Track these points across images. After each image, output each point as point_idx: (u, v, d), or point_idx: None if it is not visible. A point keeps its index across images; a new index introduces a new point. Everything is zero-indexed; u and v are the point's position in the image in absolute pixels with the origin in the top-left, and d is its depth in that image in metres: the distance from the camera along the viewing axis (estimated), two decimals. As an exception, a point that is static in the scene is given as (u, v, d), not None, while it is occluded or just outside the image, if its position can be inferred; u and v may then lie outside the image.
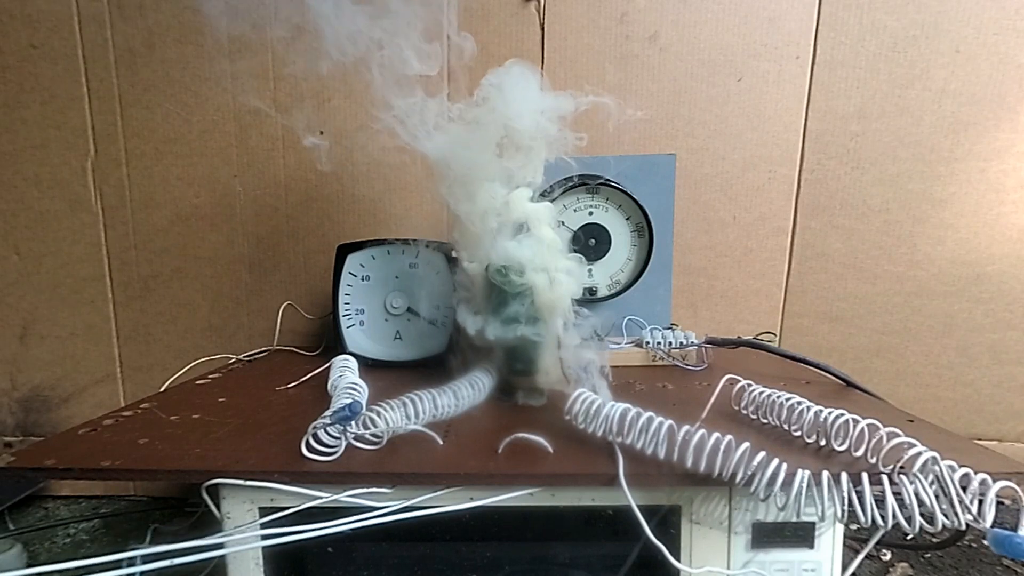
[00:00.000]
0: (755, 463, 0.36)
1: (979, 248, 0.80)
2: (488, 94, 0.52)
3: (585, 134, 0.55)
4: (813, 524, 0.41)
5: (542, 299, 0.50)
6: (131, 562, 0.35)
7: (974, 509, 0.33)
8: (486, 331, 0.52)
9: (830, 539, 0.42)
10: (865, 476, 0.36)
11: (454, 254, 0.56)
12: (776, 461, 0.36)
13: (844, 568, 0.41)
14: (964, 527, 0.34)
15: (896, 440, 0.37)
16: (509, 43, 0.81)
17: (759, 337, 0.72)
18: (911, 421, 0.48)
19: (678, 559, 0.41)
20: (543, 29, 0.80)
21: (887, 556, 0.71)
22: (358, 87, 0.81)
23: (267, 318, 0.86)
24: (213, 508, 0.42)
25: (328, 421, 0.42)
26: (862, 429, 0.39)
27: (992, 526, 0.32)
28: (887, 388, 0.82)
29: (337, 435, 0.43)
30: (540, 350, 0.52)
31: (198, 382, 0.63)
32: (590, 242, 0.70)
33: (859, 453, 0.39)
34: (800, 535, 0.41)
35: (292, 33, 0.77)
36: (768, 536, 0.41)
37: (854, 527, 0.36)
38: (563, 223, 0.70)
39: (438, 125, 0.53)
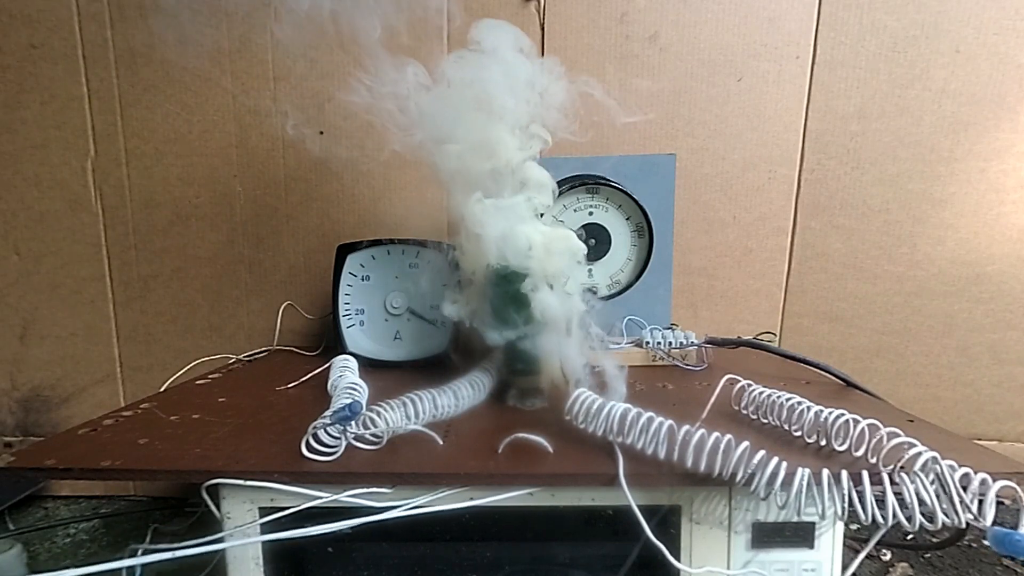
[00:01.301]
0: (755, 462, 0.36)
1: (979, 248, 0.80)
2: (451, 76, 0.51)
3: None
4: (813, 524, 0.41)
5: (536, 255, 0.49)
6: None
7: (974, 508, 0.33)
8: (486, 331, 0.52)
9: (830, 539, 0.42)
10: (865, 475, 0.36)
11: (447, 243, 0.55)
12: (776, 460, 0.36)
13: (844, 568, 0.41)
14: (964, 526, 0.34)
15: (896, 440, 0.37)
16: (509, 43, 0.80)
17: (759, 337, 0.72)
18: (911, 421, 0.48)
19: (678, 559, 0.41)
20: (543, 29, 0.80)
21: (887, 556, 0.71)
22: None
23: (267, 318, 0.86)
24: (213, 508, 0.42)
25: (328, 421, 0.42)
26: (862, 429, 0.39)
27: (992, 525, 0.32)
28: (887, 388, 0.82)
29: (337, 435, 0.43)
30: (540, 349, 0.52)
31: (198, 382, 0.63)
32: (590, 242, 0.70)
33: (859, 453, 0.39)
34: (800, 535, 0.41)
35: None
36: (768, 536, 0.41)
37: (854, 527, 0.36)
38: (563, 223, 0.70)
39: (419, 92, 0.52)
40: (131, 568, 0.35)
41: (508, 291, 0.50)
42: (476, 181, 0.51)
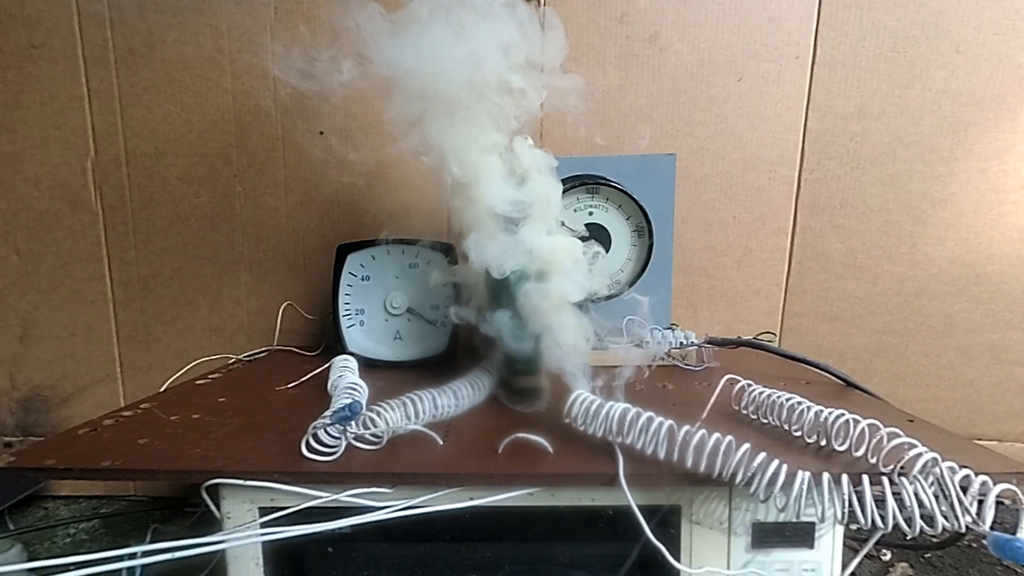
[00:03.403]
0: (755, 464, 0.36)
1: (979, 248, 0.80)
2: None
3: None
4: (813, 524, 0.41)
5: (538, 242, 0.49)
6: (131, 560, 0.35)
7: (974, 511, 0.33)
8: (487, 328, 0.52)
9: (830, 539, 0.42)
10: (865, 477, 0.36)
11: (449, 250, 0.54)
12: (776, 462, 0.36)
13: (844, 568, 0.41)
14: (964, 529, 0.34)
15: (896, 440, 0.37)
16: (509, 43, 0.80)
17: (759, 337, 0.72)
18: (911, 421, 0.48)
19: (678, 559, 0.41)
20: (543, 28, 0.80)
21: (887, 556, 0.71)
22: (359, 86, 0.81)
23: (267, 318, 0.86)
24: (213, 508, 0.42)
25: (328, 421, 0.42)
26: (862, 429, 0.39)
27: (991, 527, 0.32)
28: (887, 388, 0.82)
29: (337, 435, 0.43)
30: (541, 348, 0.51)
31: (198, 382, 0.63)
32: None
33: (859, 453, 0.39)
34: (800, 535, 0.41)
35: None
36: (768, 536, 0.41)
37: (854, 528, 0.36)
38: (563, 223, 0.70)
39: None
40: (131, 568, 0.35)
41: (508, 290, 0.50)
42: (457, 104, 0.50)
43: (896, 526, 0.34)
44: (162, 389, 0.61)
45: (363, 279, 0.69)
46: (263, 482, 0.40)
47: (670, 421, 0.39)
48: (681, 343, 0.66)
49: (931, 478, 0.34)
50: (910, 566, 0.69)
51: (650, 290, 0.72)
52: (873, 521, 0.35)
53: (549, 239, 0.51)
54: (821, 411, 0.42)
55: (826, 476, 0.36)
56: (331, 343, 0.74)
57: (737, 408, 0.49)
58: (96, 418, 0.50)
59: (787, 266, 0.84)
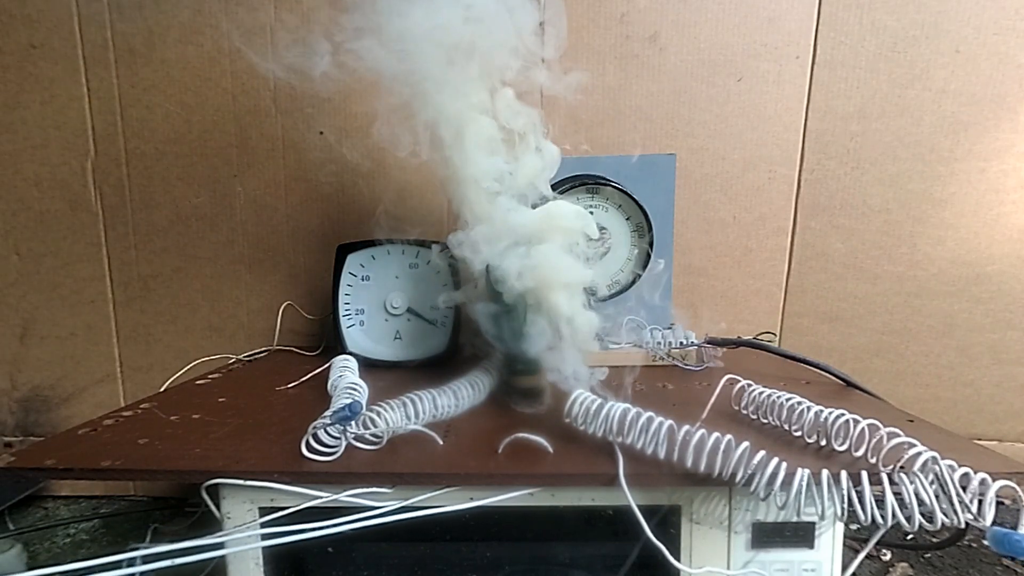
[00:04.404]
0: (755, 462, 0.36)
1: (979, 248, 0.80)
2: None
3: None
4: (813, 524, 0.41)
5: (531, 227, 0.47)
6: (131, 562, 0.35)
7: (974, 508, 0.33)
8: (487, 328, 0.51)
9: (830, 539, 0.42)
10: (865, 475, 0.36)
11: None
12: (776, 460, 0.36)
13: (844, 568, 0.41)
14: (964, 526, 0.34)
15: (896, 440, 0.37)
16: (509, 43, 0.80)
17: (759, 337, 0.72)
18: (911, 421, 0.48)
19: (678, 559, 0.41)
20: (543, 28, 0.80)
21: (887, 556, 0.71)
22: (358, 87, 0.81)
23: (267, 318, 0.86)
24: (213, 508, 0.42)
25: (328, 421, 0.42)
26: (862, 429, 0.39)
27: (992, 525, 0.32)
28: (887, 388, 0.82)
29: (337, 435, 0.43)
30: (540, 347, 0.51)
31: (198, 382, 0.63)
32: (590, 242, 0.70)
33: (859, 453, 0.39)
34: (800, 535, 0.41)
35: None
36: (768, 536, 0.41)
37: (854, 527, 0.36)
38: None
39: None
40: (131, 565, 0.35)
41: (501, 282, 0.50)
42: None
43: (896, 524, 0.34)
44: (162, 389, 0.61)
45: (363, 279, 0.69)
46: (263, 482, 0.40)
47: (670, 421, 0.39)
48: (681, 343, 0.66)
49: (931, 475, 0.34)
50: (910, 566, 0.69)
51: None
52: (873, 518, 0.35)
53: (540, 208, 0.49)
54: (821, 411, 0.42)
55: (825, 473, 0.36)
56: (331, 343, 0.74)
57: (737, 408, 0.49)
58: (96, 418, 0.50)
59: (787, 266, 0.84)
